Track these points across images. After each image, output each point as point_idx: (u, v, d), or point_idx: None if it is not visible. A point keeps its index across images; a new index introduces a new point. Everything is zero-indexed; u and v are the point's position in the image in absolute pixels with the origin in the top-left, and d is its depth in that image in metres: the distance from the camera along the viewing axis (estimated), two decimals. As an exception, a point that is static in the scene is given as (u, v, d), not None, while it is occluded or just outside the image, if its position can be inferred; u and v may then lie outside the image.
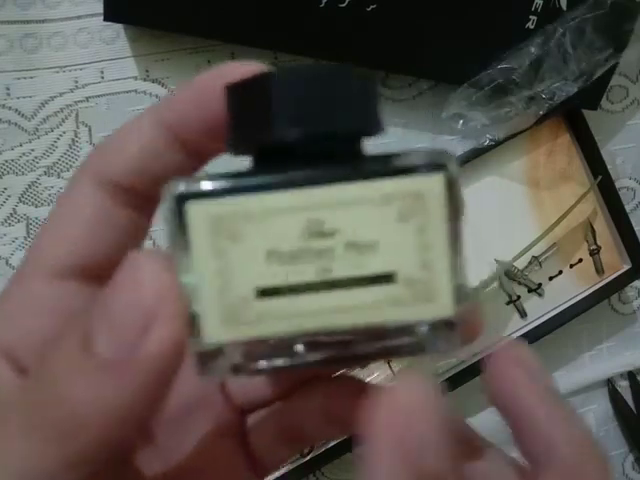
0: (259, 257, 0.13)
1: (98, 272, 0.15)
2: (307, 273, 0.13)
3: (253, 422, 0.19)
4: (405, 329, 0.13)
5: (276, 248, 0.13)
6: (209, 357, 0.13)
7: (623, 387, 0.47)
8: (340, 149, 0.14)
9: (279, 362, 0.13)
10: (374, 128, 0.14)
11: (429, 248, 0.13)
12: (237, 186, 0.13)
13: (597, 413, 0.47)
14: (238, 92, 0.14)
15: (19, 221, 0.39)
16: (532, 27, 0.39)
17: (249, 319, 0.13)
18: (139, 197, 0.16)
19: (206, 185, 0.13)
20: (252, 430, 0.19)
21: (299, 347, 0.13)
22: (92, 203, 0.15)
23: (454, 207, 0.14)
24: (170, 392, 0.13)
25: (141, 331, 0.12)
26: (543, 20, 0.39)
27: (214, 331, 0.13)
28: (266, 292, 0.13)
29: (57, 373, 0.13)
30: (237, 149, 0.14)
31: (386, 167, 0.13)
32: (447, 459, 0.12)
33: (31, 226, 0.39)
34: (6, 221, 0.39)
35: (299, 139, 0.13)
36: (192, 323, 0.13)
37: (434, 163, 0.13)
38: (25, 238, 0.39)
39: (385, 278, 0.13)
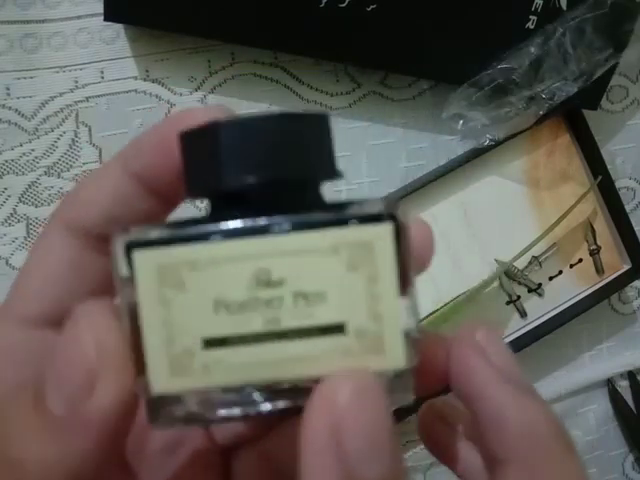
0: (206, 307, 0.13)
1: None
2: (255, 323, 0.13)
3: (236, 458, 0.19)
4: None
5: (223, 298, 0.13)
6: (159, 407, 0.13)
7: (623, 387, 0.47)
8: (292, 197, 0.14)
9: (232, 412, 0.13)
10: (327, 174, 0.14)
11: (379, 298, 0.13)
12: (184, 234, 0.13)
13: (597, 413, 0.47)
14: (190, 140, 0.14)
15: (19, 221, 0.39)
16: (532, 27, 0.39)
17: (196, 370, 0.13)
18: (94, 239, 0.16)
19: (153, 233, 0.13)
20: (236, 466, 0.19)
21: (254, 397, 0.13)
22: (64, 251, 0.16)
23: (404, 255, 0.13)
24: (125, 442, 0.13)
25: (87, 388, 0.12)
26: (543, 20, 0.39)
27: (160, 382, 0.13)
28: (213, 343, 0.13)
29: (9, 429, 0.13)
30: (193, 196, 0.15)
31: (335, 216, 0.13)
32: (385, 467, 0.12)
33: (31, 226, 0.39)
34: (6, 221, 0.39)
35: (247, 188, 0.13)
36: (141, 372, 0.13)
37: (383, 213, 0.13)
38: (25, 238, 0.39)
39: (335, 329, 0.13)
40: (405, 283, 0.13)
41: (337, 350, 0.13)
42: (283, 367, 0.13)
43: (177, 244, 0.13)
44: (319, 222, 0.13)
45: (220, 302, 0.13)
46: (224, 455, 0.19)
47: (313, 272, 0.13)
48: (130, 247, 0.13)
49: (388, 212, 0.13)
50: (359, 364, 0.13)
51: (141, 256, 0.13)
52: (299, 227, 0.13)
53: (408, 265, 0.13)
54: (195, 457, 0.18)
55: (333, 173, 0.14)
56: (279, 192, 0.13)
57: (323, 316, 0.13)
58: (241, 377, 0.13)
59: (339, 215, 0.13)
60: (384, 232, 0.13)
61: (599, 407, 0.47)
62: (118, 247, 0.13)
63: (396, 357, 0.13)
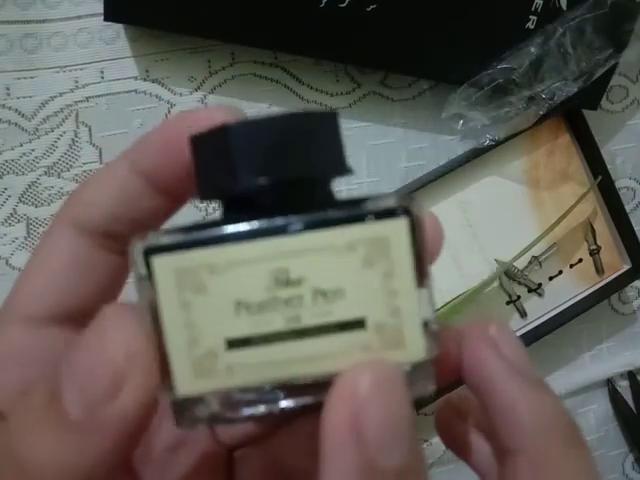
0: (227, 308, 0.13)
1: (81, 316, 0.15)
2: (275, 322, 0.13)
3: (241, 458, 0.19)
4: None
5: (243, 298, 0.13)
6: (184, 408, 0.13)
7: (623, 387, 0.47)
8: (304, 195, 0.14)
9: (256, 411, 0.13)
10: (338, 170, 0.14)
11: (397, 293, 0.13)
12: (201, 238, 0.13)
13: (597, 413, 0.48)
14: (201, 143, 0.14)
15: (19, 221, 0.39)
16: (532, 27, 0.39)
17: (219, 371, 0.13)
18: (118, 240, 0.16)
19: (170, 238, 0.13)
20: (240, 466, 0.19)
21: (277, 395, 0.13)
22: (70, 249, 0.16)
23: (419, 248, 0.13)
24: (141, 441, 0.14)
25: (111, 392, 0.12)
26: (543, 20, 0.39)
27: (185, 384, 0.13)
28: (235, 343, 0.13)
29: (18, 430, 0.13)
30: (205, 198, 0.15)
31: (349, 213, 0.13)
32: (404, 456, 0.12)
33: (31, 226, 0.39)
34: (6, 221, 0.39)
35: (260, 189, 0.13)
36: (165, 374, 0.13)
37: (397, 207, 0.13)
38: (25, 238, 0.39)
39: (354, 324, 0.13)
40: (422, 275, 0.13)
41: (358, 345, 0.13)
42: (305, 364, 0.13)
43: (194, 248, 0.13)
44: (334, 220, 0.13)
45: (241, 303, 0.13)
46: (228, 455, 0.19)
47: (330, 270, 0.13)
48: (148, 253, 0.13)
49: (402, 206, 0.13)
50: (380, 358, 0.13)
51: (159, 261, 0.13)
52: (314, 226, 0.13)
53: (424, 257, 0.13)
54: (199, 458, 0.18)
55: (344, 169, 0.14)
56: (292, 191, 0.14)
57: (342, 312, 0.13)
58: (264, 376, 0.13)
59: (353, 212, 0.13)
60: (400, 227, 0.13)
61: (599, 407, 0.47)
62: (137, 253, 0.13)
63: (416, 349, 0.13)
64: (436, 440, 0.46)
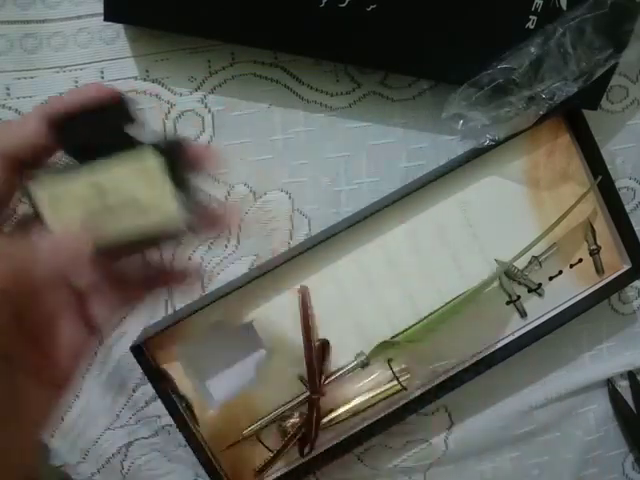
0: (82, 211, 0.24)
1: None
2: (106, 214, 0.24)
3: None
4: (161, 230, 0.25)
5: (86, 203, 0.24)
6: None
7: (623, 387, 0.47)
8: (111, 142, 0.24)
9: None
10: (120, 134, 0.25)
11: (165, 194, 0.24)
12: (60, 174, 0.24)
13: (597, 413, 0.48)
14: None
15: (19, 221, 0.39)
16: (532, 27, 0.39)
17: (97, 237, 0.24)
18: (16, 163, 0.24)
19: (44, 175, 0.24)
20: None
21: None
22: None
23: (177, 165, 0.24)
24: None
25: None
26: (543, 20, 0.39)
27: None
28: (93, 226, 0.24)
29: None
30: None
31: (136, 149, 0.24)
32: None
33: (31, 226, 0.39)
34: (6, 221, 0.39)
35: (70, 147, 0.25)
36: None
37: (160, 142, 0.24)
38: (25, 238, 0.39)
39: (143, 208, 0.24)
40: (182, 183, 0.24)
41: (148, 221, 0.24)
42: (126, 229, 0.24)
43: (55, 180, 0.24)
44: (127, 154, 0.24)
45: (87, 207, 0.24)
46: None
47: (129, 182, 0.24)
48: (32, 186, 0.24)
49: (164, 143, 0.24)
50: (156, 222, 0.24)
51: (38, 190, 0.24)
52: (115, 157, 0.24)
53: (182, 171, 0.24)
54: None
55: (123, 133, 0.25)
56: (99, 144, 0.24)
57: (138, 203, 0.24)
58: (112, 239, 0.25)
59: (137, 148, 0.24)
60: (158, 156, 0.24)
61: (599, 407, 0.48)
62: (29, 186, 0.24)
63: (176, 219, 0.24)
64: (436, 440, 0.46)
